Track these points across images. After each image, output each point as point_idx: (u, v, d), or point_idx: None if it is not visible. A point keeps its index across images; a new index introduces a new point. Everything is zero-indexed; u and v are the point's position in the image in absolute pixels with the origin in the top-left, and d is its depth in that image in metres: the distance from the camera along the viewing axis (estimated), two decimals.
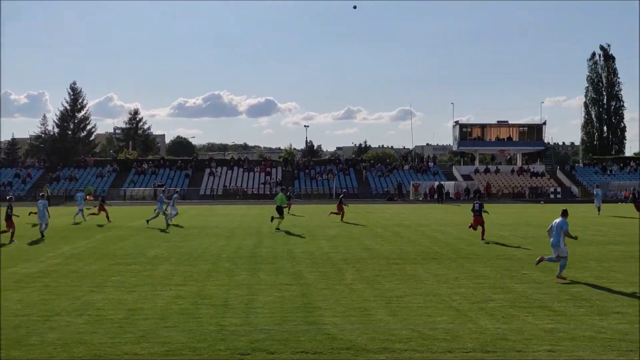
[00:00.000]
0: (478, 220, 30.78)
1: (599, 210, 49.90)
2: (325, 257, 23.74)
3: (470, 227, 31.54)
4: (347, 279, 18.96)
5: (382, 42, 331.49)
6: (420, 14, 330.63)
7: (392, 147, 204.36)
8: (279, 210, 37.01)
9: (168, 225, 37.12)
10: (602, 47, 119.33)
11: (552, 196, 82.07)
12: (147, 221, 38.78)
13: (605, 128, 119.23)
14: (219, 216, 47.52)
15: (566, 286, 17.56)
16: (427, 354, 11.23)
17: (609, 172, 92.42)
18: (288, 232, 33.43)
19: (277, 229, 35.24)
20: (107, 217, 41.60)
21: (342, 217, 42.85)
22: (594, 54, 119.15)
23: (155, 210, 39.63)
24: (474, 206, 31.16)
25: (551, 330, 12.71)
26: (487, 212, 32.36)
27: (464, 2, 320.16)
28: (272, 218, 37.21)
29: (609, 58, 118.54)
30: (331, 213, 44.39)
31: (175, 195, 42.95)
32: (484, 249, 26.12)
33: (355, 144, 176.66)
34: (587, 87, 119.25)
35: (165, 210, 38.93)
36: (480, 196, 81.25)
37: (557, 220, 19.48)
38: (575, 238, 20.24)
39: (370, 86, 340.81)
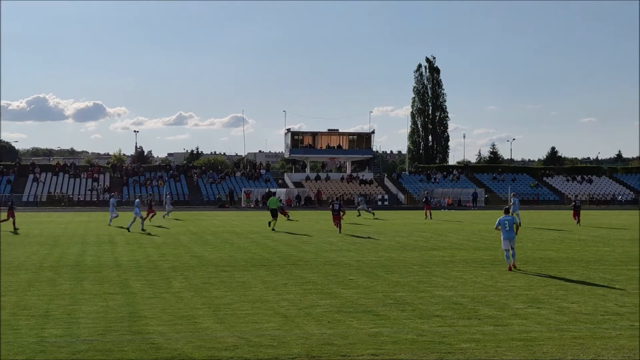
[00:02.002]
0: (337, 218, 36.92)
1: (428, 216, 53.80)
2: (152, 265, 23.32)
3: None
4: (174, 287, 18.69)
5: (211, 47, 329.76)
6: (249, 19, 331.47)
7: (224, 153, 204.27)
8: (273, 212, 40.14)
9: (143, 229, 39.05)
10: (427, 59, 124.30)
11: (380, 203, 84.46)
12: (128, 228, 38.85)
13: (430, 137, 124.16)
14: (42, 224, 45.71)
15: (390, 291, 18.05)
16: None
17: (433, 180, 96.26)
18: (112, 241, 32.62)
19: (273, 229, 38.70)
20: None
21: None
22: (419, 66, 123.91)
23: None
24: (333, 206, 37.29)
25: (375, 335, 13.00)
26: (344, 212, 38.24)
27: (294, 9, 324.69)
28: (269, 223, 40.16)
29: (434, 70, 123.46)
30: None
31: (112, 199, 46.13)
32: (313, 256, 26.48)
33: (187, 150, 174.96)
34: (414, 97, 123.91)
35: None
36: (310, 203, 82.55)
37: (505, 216, 22.15)
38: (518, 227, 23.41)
39: (201, 92, 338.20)
